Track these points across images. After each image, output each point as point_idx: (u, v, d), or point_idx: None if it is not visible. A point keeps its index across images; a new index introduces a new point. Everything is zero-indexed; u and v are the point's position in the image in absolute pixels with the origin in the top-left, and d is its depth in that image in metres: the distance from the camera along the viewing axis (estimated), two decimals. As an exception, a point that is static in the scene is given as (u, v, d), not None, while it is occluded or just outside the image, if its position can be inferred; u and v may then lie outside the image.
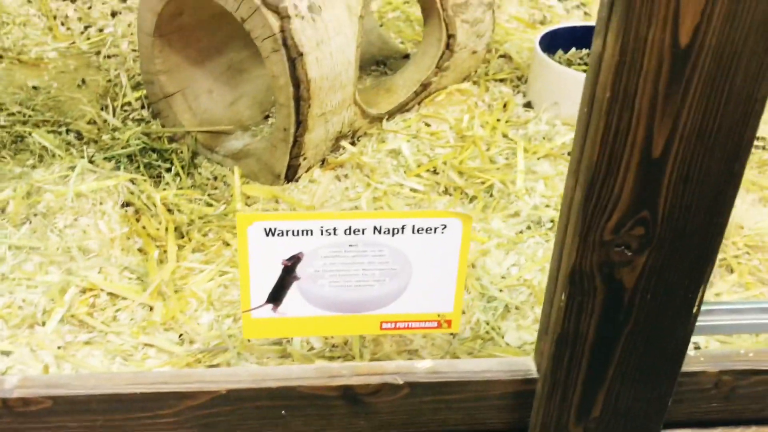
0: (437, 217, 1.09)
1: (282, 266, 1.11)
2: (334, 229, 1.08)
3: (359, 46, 1.81)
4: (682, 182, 0.89)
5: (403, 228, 1.09)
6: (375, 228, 1.09)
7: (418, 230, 1.10)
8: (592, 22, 2.48)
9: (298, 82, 1.68)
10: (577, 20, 2.67)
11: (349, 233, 1.09)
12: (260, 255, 1.09)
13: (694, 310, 0.97)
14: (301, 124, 1.74)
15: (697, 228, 0.91)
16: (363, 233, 1.09)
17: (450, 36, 2.07)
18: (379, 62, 2.32)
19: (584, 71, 2.24)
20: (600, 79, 0.87)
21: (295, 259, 1.10)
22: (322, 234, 1.08)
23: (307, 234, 1.08)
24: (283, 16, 1.65)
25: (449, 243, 1.11)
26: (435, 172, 1.91)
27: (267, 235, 1.08)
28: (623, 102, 0.87)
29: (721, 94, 0.87)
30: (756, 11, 0.81)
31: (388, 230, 1.09)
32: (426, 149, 1.98)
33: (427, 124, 2.07)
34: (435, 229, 1.10)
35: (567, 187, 0.93)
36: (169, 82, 1.94)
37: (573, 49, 2.32)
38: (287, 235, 1.08)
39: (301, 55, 1.66)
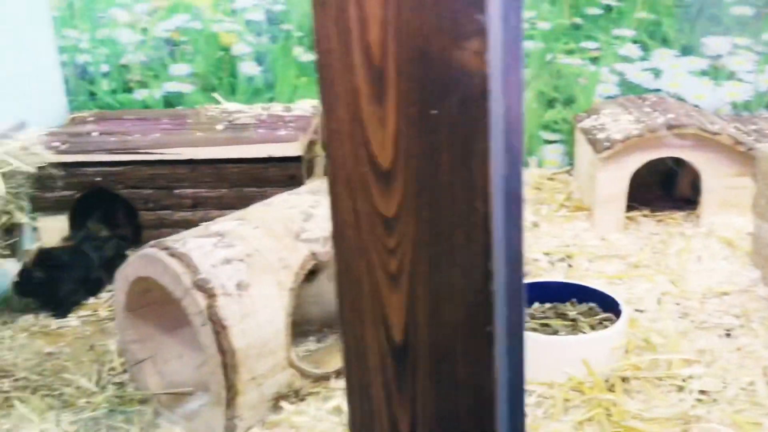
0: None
1: None
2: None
3: (290, 315, 2.01)
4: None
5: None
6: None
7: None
8: (568, 280, 2.61)
9: (224, 351, 1.88)
10: (560, 274, 2.79)
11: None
12: None
13: None
14: (231, 388, 1.92)
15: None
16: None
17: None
18: (348, 321, 2.51)
19: (542, 325, 2.35)
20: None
21: None
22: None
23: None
24: (210, 295, 1.89)
25: None
26: (375, 428, 2.02)
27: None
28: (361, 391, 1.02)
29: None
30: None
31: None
32: (372, 406, 2.10)
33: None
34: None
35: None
36: (140, 350, 2.19)
37: (536, 304, 2.44)
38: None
39: (225, 327, 1.88)
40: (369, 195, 0.95)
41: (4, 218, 2.10)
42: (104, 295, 2.86)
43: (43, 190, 2.75)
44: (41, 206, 2.81)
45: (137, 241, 3.12)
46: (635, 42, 3.33)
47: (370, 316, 1.00)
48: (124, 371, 2.31)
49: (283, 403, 2.08)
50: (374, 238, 0.96)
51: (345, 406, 2.05)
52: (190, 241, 1.99)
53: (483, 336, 1.00)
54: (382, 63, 0.89)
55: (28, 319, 2.70)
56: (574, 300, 2.42)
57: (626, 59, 3.36)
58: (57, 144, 2.92)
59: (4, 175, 1.98)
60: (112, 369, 2.34)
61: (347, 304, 1.00)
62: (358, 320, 1.00)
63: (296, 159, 2.93)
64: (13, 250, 2.30)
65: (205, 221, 2.92)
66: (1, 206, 2.05)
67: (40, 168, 2.14)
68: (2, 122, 2.19)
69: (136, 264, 2.03)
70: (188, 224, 2.94)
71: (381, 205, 0.95)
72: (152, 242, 2.04)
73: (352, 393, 1.06)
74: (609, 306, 2.36)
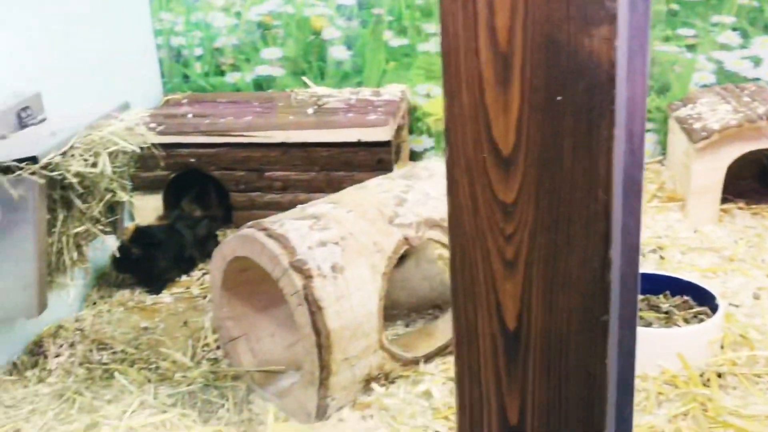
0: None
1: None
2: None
3: (382, 299, 2.03)
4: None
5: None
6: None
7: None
8: (661, 271, 2.55)
9: (319, 331, 1.91)
10: (651, 265, 2.73)
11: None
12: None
13: None
14: (324, 368, 1.95)
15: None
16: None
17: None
18: (436, 306, 2.52)
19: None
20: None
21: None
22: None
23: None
24: (307, 276, 1.92)
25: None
26: (464, 414, 2.03)
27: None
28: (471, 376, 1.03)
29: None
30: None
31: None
32: (461, 391, 2.11)
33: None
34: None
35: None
36: (234, 327, 2.24)
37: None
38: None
39: (321, 308, 1.90)
40: (488, 181, 0.95)
41: (108, 196, 2.16)
42: (196, 274, 2.93)
43: (140, 169, 2.82)
44: (137, 185, 2.88)
45: (227, 222, 3.19)
46: (735, 29, 3.23)
47: (484, 302, 1.00)
48: (218, 347, 2.36)
49: (374, 385, 2.10)
50: (491, 224, 0.96)
51: (434, 391, 2.07)
52: (288, 223, 2.03)
53: (598, 326, 1.00)
54: (509, 48, 0.88)
55: (124, 294, 2.79)
56: (667, 292, 2.38)
57: (725, 47, 3.26)
58: (153, 125, 3.00)
59: (110, 154, 2.05)
60: (206, 345, 2.40)
61: (461, 289, 1.00)
62: (471, 306, 1.01)
63: (386, 144, 2.94)
64: (114, 228, 2.37)
65: (294, 204, 2.97)
66: (106, 184, 2.12)
67: (142, 148, 2.19)
68: (108, 103, 2.25)
69: (233, 243, 2.07)
70: (278, 206, 3.00)
71: (500, 191, 0.95)
72: (250, 223, 2.08)
73: (461, 377, 1.07)
74: (703, 299, 2.31)
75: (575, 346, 1.00)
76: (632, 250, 0.98)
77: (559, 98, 0.89)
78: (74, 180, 1.95)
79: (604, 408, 1.05)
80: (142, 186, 2.98)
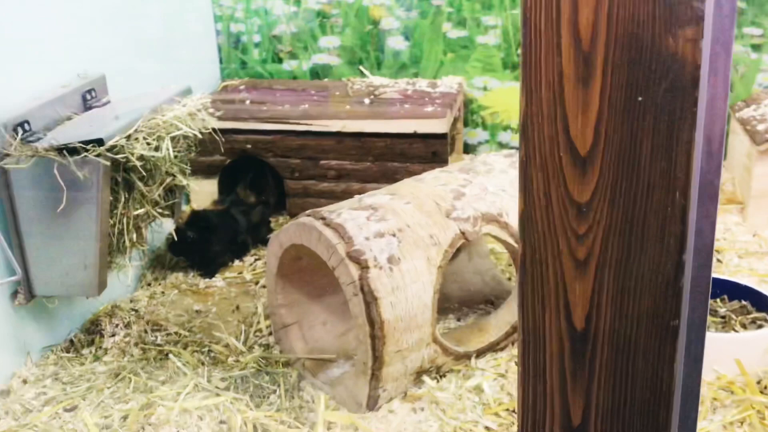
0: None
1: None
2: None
3: (437, 292, 2.02)
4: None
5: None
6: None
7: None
8: (718, 275, 2.50)
9: (373, 322, 1.92)
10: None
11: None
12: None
13: None
14: (377, 359, 1.95)
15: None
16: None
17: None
18: (488, 301, 2.51)
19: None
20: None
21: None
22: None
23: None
24: (363, 267, 1.93)
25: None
26: (515, 411, 2.02)
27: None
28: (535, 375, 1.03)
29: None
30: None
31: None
32: (512, 389, 2.10)
33: (518, 364, 2.19)
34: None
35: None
36: (287, 314, 2.26)
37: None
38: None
39: (376, 299, 1.91)
40: (563, 179, 0.94)
41: (168, 180, 2.19)
42: (248, 259, 2.96)
43: (198, 154, 2.85)
44: (194, 170, 2.91)
45: (280, 209, 3.21)
46: (802, 29, 3.16)
47: (553, 301, 0.99)
48: (269, 333, 2.38)
49: (425, 378, 2.10)
50: (564, 224, 0.95)
51: (486, 387, 2.06)
52: (345, 213, 2.03)
53: (668, 330, 0.99)
54: (591, 46, 0.87)
55: (177, 276, 2.83)
56: (725, 296, 2.34)
57: (791, 47, 3.19)
58: (212, 111, 3.03)
59: (172, 139, 2.07)
60: (258, 330, 2.43)
61: (529, 287, 0.99)
62: (539, 305, 1.00)
63: (442, 136, 2.93)
64: (172, 211, 2.40)
65: (348, 193, 2.98)
66: (167, 168, 2.15)
67: (202, 133, 2.22)
68: (171, 88, 2.28)
69: (291, 231, 2.08)
70: (331, 195, 3.01)
71: (575, 190, 0.94)
72: (308, 211, 2.09)
73: (525, 375, 1.06)
74: (762, 305, 2.26)
75: (643, 349, 0.99)
76: (706, 255, 0.97)
77: (639, 99, 0.88)
78: (137, 163, 1.98)
79: (669, 414, 1.03)
80: (198, 170, 3.01)
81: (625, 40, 0.87)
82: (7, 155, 1.97)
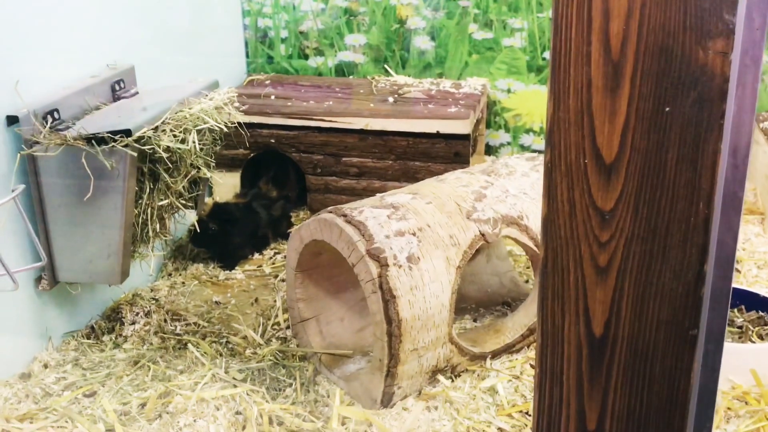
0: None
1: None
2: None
3: (455, 292, 2.04)
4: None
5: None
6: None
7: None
8: (736, 285, 2.50)
9: (390, 320, 1.94)
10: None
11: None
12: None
13: None
14: (393, 357, 1.97)
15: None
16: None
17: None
18: (505, 303, 2.52)
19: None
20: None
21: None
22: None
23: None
24: (383, 265, 1.94)
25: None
26: (528, 414, 2.03)
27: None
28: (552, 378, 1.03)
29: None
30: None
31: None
32: (526, 391, 2.11)
33: (533, 366, 2.21)
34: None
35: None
36: (306, 309, 2.28)
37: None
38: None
39: (394, 297, 1.92)
40: (587, 186, 0.95)
41: (193, 172, 2.22)
42: (268, 252, 2.98)
43: (222, 147, 2.88)
44: (218, 163, 2.94)
45: (301, 204, 3.24)
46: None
47: (573, 306, 1.00)
48: (287, 327, 2.41)
49: (440, 377, 2.11)
50: (587, 230, 0.96)
51: (500, 388, 2.07)
52: (366, 211, 2.05)
53: (686, 339, 0.99)
54: (621, 55, 0.88)
55: (198, 267, 2.86)
56: (742, 307, 2.33)
57: (819, 59, 3.17)
58: (237, 105, 3.05)
59: (198, 132, 2.10)
60: (276, 324, 2.45)
61: (550, 291, 1.01)
62: (559, 309, 1.01)
63: (464, 137, 2.94)
64: (196, 203, 2.43)
65: (369, 190, 3.00)
66: (192, 160, 2.17)
67: (228, 127, 2.24)
68: (198, 80, 2.30)
69: (312, 227, 2.10)
70: (352, 192, 3.03)
71: (599, 197, 0.95)
72: (330, 208, 2.11)
73: (542, 379, 1.07)
74: (780, 317, 2.26)
75: (661, 357, 1.00)
76: (727, 266, 0.97)
77: (667, 109, 0.89)
78: (164, 154, 2.01)
79: (684, 422, 1.04)
80: (222, 163, 3.04)
81: (654, 51, 0.88)
82: (37, 143, 2.00)
